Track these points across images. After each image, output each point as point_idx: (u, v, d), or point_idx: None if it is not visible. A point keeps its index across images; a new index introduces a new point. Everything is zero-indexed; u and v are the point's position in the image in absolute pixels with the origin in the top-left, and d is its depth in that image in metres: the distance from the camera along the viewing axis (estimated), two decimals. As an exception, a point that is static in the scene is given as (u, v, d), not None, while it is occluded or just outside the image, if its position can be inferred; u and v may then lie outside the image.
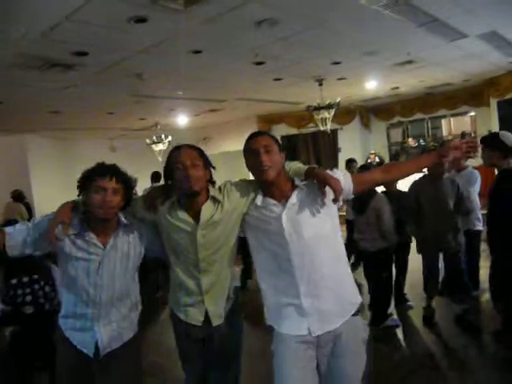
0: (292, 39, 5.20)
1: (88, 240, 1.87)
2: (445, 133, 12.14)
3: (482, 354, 3.43)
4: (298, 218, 1.79)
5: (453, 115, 11.30)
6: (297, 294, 1.78)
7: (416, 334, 3.92)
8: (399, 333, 3.96)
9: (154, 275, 5.41)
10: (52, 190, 10.09)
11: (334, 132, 11.23)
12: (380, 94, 9.90)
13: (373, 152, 11.02)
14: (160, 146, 10.22)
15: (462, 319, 3.93)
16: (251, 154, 1.84)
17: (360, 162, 11.25)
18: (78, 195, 1.91)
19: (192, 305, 1.99)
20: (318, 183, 1.81)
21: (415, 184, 4.09)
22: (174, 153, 1.89)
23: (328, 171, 1.85)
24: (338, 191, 1.73)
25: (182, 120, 10.91)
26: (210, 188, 1.93)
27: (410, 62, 6.93)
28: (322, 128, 8.67)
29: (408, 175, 2.02)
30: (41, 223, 1.87)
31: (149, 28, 4.30)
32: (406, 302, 4.45)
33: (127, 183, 1.91)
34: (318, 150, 12.36)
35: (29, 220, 1.97)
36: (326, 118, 8.43)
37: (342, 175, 1.85)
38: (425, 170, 3.69)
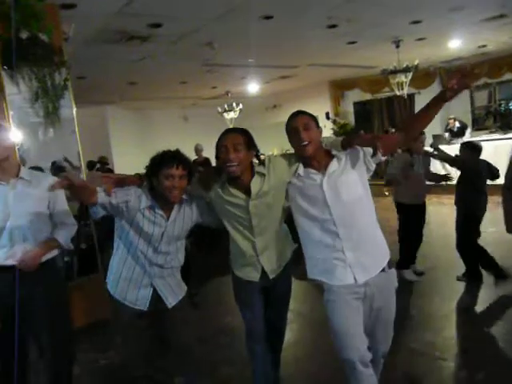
0: (368, -1, 4.94)
1: (156, 212, 2.11)
2: (540, 94, 10.98)
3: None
4: (336, 184, 2.01)
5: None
6: (341, 249, 2.01)
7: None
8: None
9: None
10: (130, 157, 10.67)
11: (411, 97, 10.61)
12: (464, 53, 9.13)
13: (452, 117, 10.27)
14: (231, 115, 10.36)
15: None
16: (292, 131, 2.05)
17: (438, 128, 10.65)
18: (148, 179, 2.11)
19: (249, 264, 2.25)
20: (362, 145, 2.04)
21: None
22: (221, 136, 2.09)
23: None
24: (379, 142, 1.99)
25: (253, 88, 10.90)
26: (255, 165, 2.14)
27: (501, 15, 6.28)
28: (397, 93, 8.25)
29: (428, 122, 2.07)
30: (119, 192, 2.06)
31: (220, -5, 4.30)
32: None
33: (190, 167, 2.11)
34: (393, 115, 11.81)
35: None
36: (402, 82, 8.00)
37: None
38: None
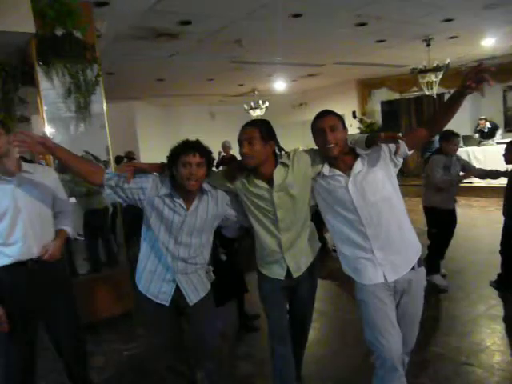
0: (399, -4, 4.86)
1: (175, 201, 2.11)
2: None
3: None
4: (362, 185, 2.00)
5: None
6: (370, 249, 2.01)
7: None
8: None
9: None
10: (156, 153, 10.76)
11: (441, 96, 10.36)
12: (498, 52, 8.89)
13: (483, 117, 9.99)
14: (257, 112, 10.38)
15: None
16: (318, 132, 2.05)
17: (468, 129, 10.38)
18: (169, 169, 2.14)
19: (274, 262, 2.25)
20: (385, 142, 2.00)
21: None
22: (240, 130, 2.13)
23: None
24: (397, 138, 1.96)
25: (280, 85, 10.88)
26: (279, 156, 2.17)
27: (538, 14, 6.09)
28: (427, 92, 8.08)
29: (451, 117, 2.00)
30: (135, 179, 2.11)
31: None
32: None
33: (209, 156, 2.12)
34: (422, 116, 11.60)
35: None
36: (432, 82, 7.83)
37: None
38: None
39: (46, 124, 3.73)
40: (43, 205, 2.38)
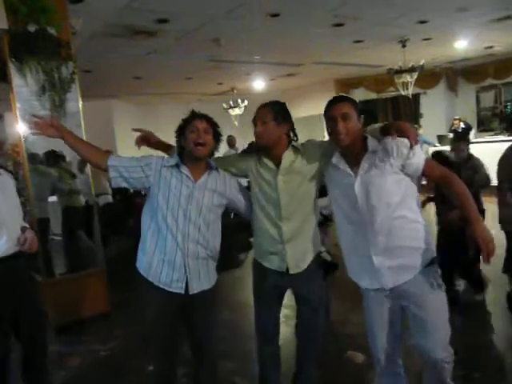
0: (375, -3, 4.93)
1: (182, 172, 2.13)
2: (545, 97, 10.91)
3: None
4: (368, 187, 1.87)
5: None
6: (368, 253, 1.91)
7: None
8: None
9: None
10: (134, 152, 10.60)
11: (416, 97, 10.59)
12: (471, 54, 9.11)
13: (457, 117, 10.24)
14: (236, 111, 10.35)
15: None
16: (329, 119, 1.90)
17: (443, 129, 10.63)
18: (177, 140, 2.23)
19: (274, 253, 2.18)
20: (392, 133, 1.84)
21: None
22: (256, 111, 2.18)
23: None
24: (412, 137, 1.82)
25: (259, 85, 10.90)
26: (293, 141, 2.17)
27: (508, 17, 6.27)
28: (403, 92, 8.24)
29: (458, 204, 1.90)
30: (139, 159, 2.19)
31: (227, -8, 4.30)
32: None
33: (215, 125, 2.19)
34: (398, 115, 11.76)
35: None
36: (407, 82, 7.98)
37: (419, 149, 1.87)
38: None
39: (20, 122, 3.66)
40: (15, 202, 2.41)
